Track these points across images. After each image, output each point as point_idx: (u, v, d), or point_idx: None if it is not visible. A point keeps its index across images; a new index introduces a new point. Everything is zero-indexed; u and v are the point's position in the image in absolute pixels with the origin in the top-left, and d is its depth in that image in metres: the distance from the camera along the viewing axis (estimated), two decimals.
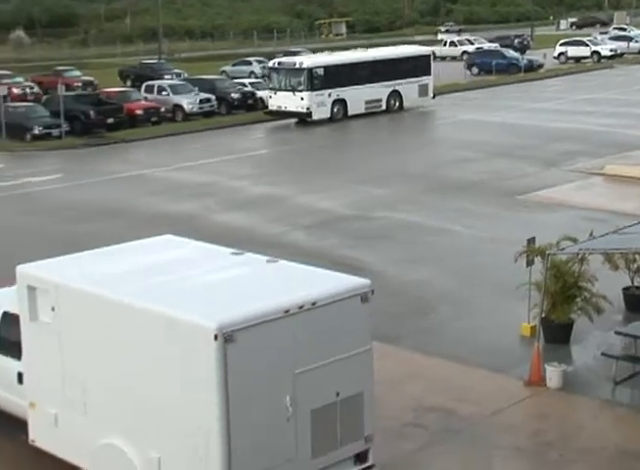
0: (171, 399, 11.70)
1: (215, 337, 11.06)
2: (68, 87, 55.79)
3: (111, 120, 47.93)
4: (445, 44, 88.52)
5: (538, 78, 69.88)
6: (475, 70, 72.83)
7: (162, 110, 51.13)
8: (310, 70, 49.04)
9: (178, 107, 52.25)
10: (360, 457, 12.72)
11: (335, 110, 49.71)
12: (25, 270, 13.65)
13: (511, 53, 76.33)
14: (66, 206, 32.07)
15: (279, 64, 51.30)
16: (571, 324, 18.72)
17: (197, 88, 54.15)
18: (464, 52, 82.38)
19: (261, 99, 55.29)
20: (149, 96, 53.55)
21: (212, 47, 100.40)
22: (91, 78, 65.63)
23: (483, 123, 48.50)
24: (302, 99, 48.67)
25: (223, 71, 69.48)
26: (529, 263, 18.45)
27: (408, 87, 53.14)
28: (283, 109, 49.59)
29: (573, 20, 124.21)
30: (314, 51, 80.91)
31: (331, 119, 49.35)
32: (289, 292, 12.27)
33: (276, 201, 32.21)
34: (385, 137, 46.37)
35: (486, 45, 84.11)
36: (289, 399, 11.74)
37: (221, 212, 30.52)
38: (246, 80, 59.94)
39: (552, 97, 58.36)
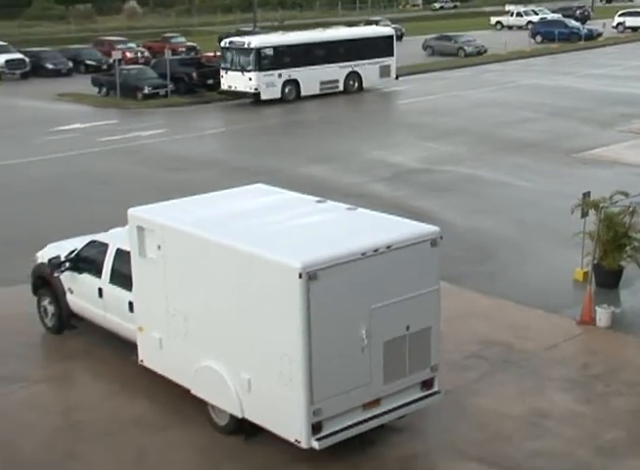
0: (260, 329, 11.82)
1: (300, 275, 11.12)
2: (174, 52, 55.99)
3: (210, 81, 48.00)
4: (512, 14, 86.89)
5: (597, 46, 68.32)
6: (539, 38, 71.39)
7: None
8: (258, 51, 43.67)
9: None
10: (426, 384, 12.74)
11: (286, 90, 44.42)
12: (136, 213, 13.84)
13: (572, 23, 74.73)
14: (170, 157, 32.42)
15: (230, 43, 45.50)
16: (621, 270, 18.50)
17: None
18: (529, 22, 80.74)
19: None
20: None
21: (300, 16, 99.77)
22: (194, 44, 65.95)
23: (544, 87, 47.61)
24: (250, 79, 43.51)
25: None
26: (584, 215, 18.23)
27: (368, 68, 47.55)
28: (233, 88, 44.40)
29: None
30: (392, 20, 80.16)
31: (282, 100, 44.16)
32: (366, 236, 12.25)
33: (355, 155, 32.11)
34: (445, 101, 45.83)
35: (550, 15, 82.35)
36: (364, 332, 11.78)
37: (306, 165, 30.52)
38: None
39: (609, 63, 57.01)
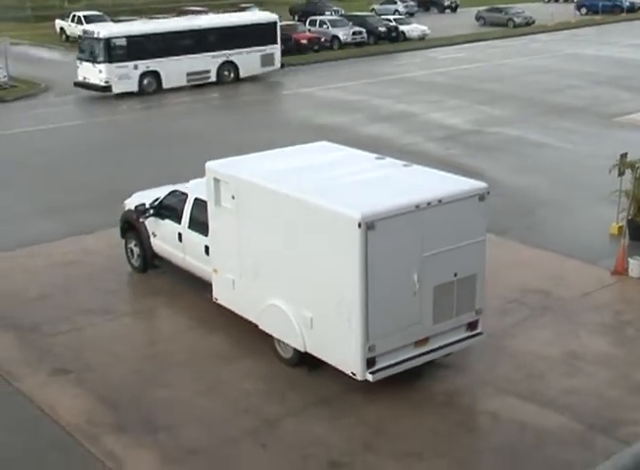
0: (322, 273, 11.82)
1: (359, 225, 11.07)
2: None
3: (282, 48, 47.86)
4: None
5: (639, 18, 66.14)
6: (583, 10, 69.38)
7: (323, 40, 50.68)
8: (108, 41, 36.41)
9: (335, 37, 51.69)
10: (471, 326, 12.67)
11: (145, 82, 37.17)
12: (212, 166, 13.87)
13: None
14: (242, 116, 32.41)
15: (84, 32, 38.42)
16: None
17: (351, 23, 53.53)
18: None
19: (403, 32, 54.36)
20: (312, 28, 53.16)
21: None
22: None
23: (588, 56, 46.39)
24: (101, 71, 36.50)
25: (373, 9, 68.24)
26: (621, 174, 17.83)
27: (246, 57, 39.99)
28: (87, 80, 37.29)
29: None
30: None
31: (140, 93, 36.93)
32: (420, 191, 12.13)
33: (412, 116, 31.78)
34: (496, 69, 44.89)
35: None
36: (416, 277, 11.72)
37: (367, 125, 30.30)
38: (391, 17, 58.73)
39: None
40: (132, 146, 27.77)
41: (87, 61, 37.17)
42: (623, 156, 18.06)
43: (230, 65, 39.77)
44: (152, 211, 16.14)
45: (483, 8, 65.81)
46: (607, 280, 16.33)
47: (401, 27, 54.75)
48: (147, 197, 16.75)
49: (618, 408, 11.93)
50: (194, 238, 15.08)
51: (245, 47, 40.01)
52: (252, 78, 40.42)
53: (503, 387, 12.50)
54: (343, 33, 51.92)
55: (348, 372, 11.76)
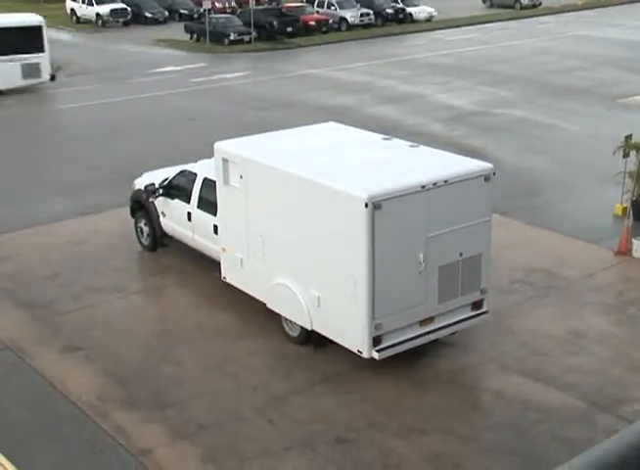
0: (329, 252, 11.79)
1: (366, 205, 11.01)
2: (258, 2, 55.55)
3: (289, 29, 47.84)
4: None
5: None
6: None
7: (331, 21, 50.58)
8: None
9: (343, 19, 51.58)
10: (476, 305, 12.63)
11: None
12: (221, 146, 13.81)
13: None
14: (251, 97, 32.28)
15: None
16: None
17: (358, 4, 53.24)
18: None
19: (410, 14, 54.01)
20: (320, 10, 53.02)
21: None
22: None
23: (594, 38, 46.05)
24: None
25: None
26: (625, 156, 17.75)
27: (1, 67, 32.39)
28: None
29: None
30: None
31: None
32: (426, 171, 12.05)
33: (418, 97, 31.61)
34: (498, 51, 44.59)
35: None
36: (422, 257, 11.67)
37: (374, 106, 30.15)
38: None
39: None
40: None
41: None
42: (628, 137, 17.97)
43: None
44: (161, 191, 16.11)
45: None
46: (610, 260, 16.27)
47: (408, 9, 54.50)
48: (156, 176, 16.71)
49: (620, 386, 11.90)
50: (203, 217, 15.04)
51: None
52: None
53: (507, 365, 12.48)
54: (351, 15, 51.72)
55: (355, 350, 11.75)
